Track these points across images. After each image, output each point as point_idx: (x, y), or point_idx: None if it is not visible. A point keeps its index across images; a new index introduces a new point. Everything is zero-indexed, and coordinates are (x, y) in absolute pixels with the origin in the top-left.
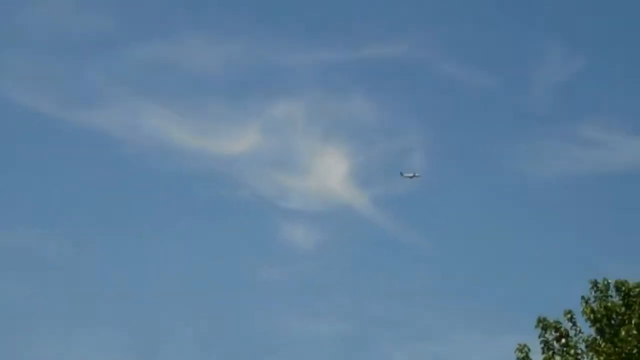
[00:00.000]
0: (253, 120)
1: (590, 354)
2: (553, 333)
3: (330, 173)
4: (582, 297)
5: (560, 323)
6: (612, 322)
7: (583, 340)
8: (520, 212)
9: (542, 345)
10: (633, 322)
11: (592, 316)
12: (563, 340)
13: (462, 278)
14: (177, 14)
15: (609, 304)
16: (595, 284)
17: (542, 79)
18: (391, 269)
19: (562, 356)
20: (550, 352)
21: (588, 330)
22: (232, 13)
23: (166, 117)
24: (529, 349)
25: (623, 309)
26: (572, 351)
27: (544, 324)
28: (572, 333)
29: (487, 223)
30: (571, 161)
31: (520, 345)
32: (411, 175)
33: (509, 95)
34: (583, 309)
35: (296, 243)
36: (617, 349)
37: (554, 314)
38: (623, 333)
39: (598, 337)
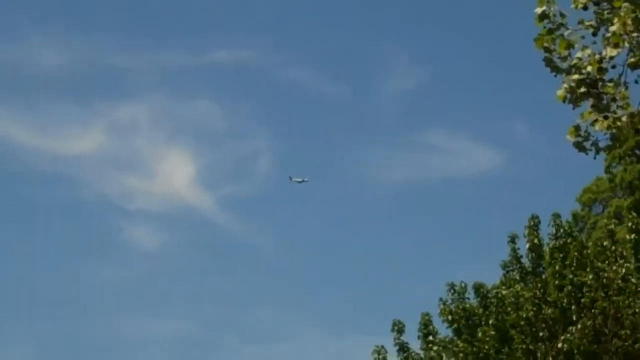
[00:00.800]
0: (97, 122)
1: (448, 354)
2: (422, 330)
3: (175, 175)
4: (440, 299)
5: (430, 316)
6: (470, 323)
7: (440, 342)
8: (368, 217)
9: (398, 347)
10: (490, 322)
11: (449, 317)
12: (429, 338)
13: (309, 280)
14: (20, 13)
15: (467, 306)
16: (452, 286)
17: (388, 86)
18: (236, 271)
19: (424, 355)
20: (406, 354)
21: (445, 332)
22: (78, 13)
23: (7, 117)
24: (386, 351)
25: (480, 310)
26: (433, 348)
27: (399, 327)
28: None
29: (335, 227)
30: (417, 167)
31: (377, 347)
32: (300, 180)
33: (355, 103)
34: (441, 311)
35: (139, 244)
36: (474, 349)
37: (411, 316)
38: (480, 334)
39: (455, 338)
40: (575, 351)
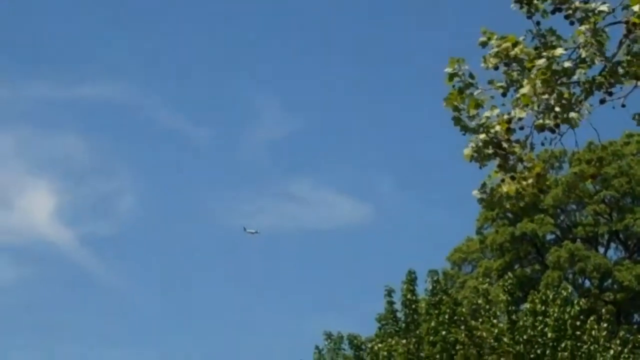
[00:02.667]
0: None
1: None
2: None
3: (34, 209)
4: (316, 347)
5: None
6: None
7: None
8: (235, 263)
9: None
10: None
11: None
12: None
13: (168, 325)
14: None
15: (341, 357)
16: (329, 335)
17: (259, 134)
18: (92, 308)
19: None
20: None
21: None
22: None
23: None
24: None
25: None
26: None
27: None
28: None
29: (199, 272)
30: (282, 217)
31: None
32: (253, 231)
33: (224, 148)
34: (315, 359)
35: None
36: None
37: None
38: None
39: None
40: None
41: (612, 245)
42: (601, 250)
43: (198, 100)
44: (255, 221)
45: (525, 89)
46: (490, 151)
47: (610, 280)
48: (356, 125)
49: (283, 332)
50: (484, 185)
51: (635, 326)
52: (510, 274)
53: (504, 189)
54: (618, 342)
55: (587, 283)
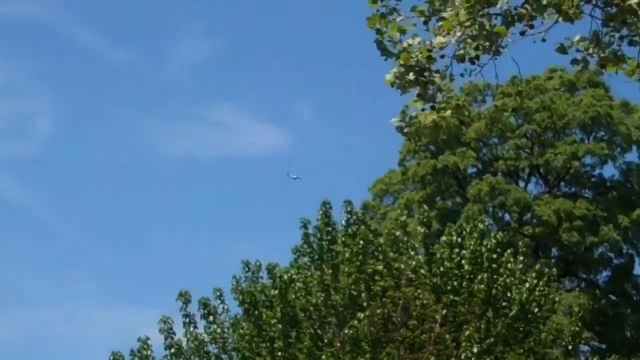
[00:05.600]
0: None
1: (234, 333)
2: (201, 310)
3: None
4: (234, 276)
5: (209, 299)
6: (258, 305)
7: (229, 319)
8: (151, 186)
9: (184, 318)
10: (279, 309)
11: (240, 297)
12: (211, 317)
13: (85, 247)
14: None
15: (259, 286)
16: (247, 264)
17: (179, 56)
18: (6, 232)
19: (207, 333)
20: (192, 326)
21: (236, 310)
22: None
23: None
24: (173, 322)
25: (273, 291)
26: (218, 329)
27: (185, 298)
28: (220, 311)
29: (116, 194)
30: (200, 143)
31: (164, 316)
32: (295, 177)
33: (143, 71)
34: (233, 288)
35: None
36: (261, 332)
37: (202, 292)
38: (264, 316)
39: (243, 318)
40: (363, 338)
41: (532, 179)
42: (522, 184)
43: (118, 22)
44: (173, 146)
45: (447, 14)
46: (411, 78)
47: (529, 215)
48: (278, 49)
49: (200, 260)
50: (403, 113)
51: (552, 260)
52: (426, 206)
53: (423, 119)
54: (534, 275)
55: (507, 217)
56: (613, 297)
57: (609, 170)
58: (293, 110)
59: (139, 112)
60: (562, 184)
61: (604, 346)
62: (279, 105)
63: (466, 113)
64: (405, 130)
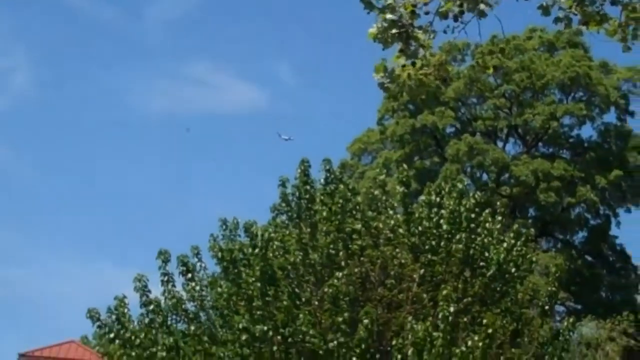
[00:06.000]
0: None
1: (212, 291)
2: (180, 267)
3: None
4: (211, 235)
5: (187, 257)
6: (237, 263)
7: (207, 277)
8: (128, 143)
9: (162, 277)
10: (257, 267)
11: (218, 254)
12: (189, 275)
13: (63, 204)
14: None
15: (237, 244)
16: (224, 222)
17: (155, 13)
18: None
19: (185, 290)
20: (170, 285)
21: (214, 268)
22: None
23: None
24: (148, 280)
25: (250, 250)
26: (196, 287)
27: (164, 257)
28: (198, 269)
29: (94, 151)
30: (177, 100)
31: (138, 275)
32: (287, 138)
33: (119, 26)
34: (210, 246)
35: None
36: (239, 290)
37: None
38: (244, 275)
39: (221, 276)
40: (341, 297)
41: (511, 139)
42: (500, 144)
43: None
44: (151, 103)
45: None
46: (394, 32)
47: (507, 175)
48: (256, 6)
49: (178, 217)
50: (384, 69)
51: (530, 220)
52: (405, 165)
53: (405, 75)
54: (512, 235)
55: (485, 177)
56: (589, 258)
57: (587, 131)
58: (272, 68)
59: (117, 68)
60: (540, 144)
61: (579, 307)
62: (258, 64)
63: (449, 70)
64: (387, 86)
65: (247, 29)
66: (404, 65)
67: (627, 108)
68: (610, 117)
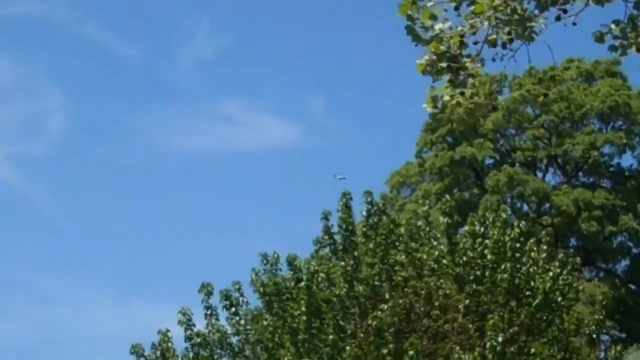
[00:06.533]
0: None
1: (255, 326)
2: (223, 301)
3: None
4: (252, 269)
5: (230, 291)
6: (281, 296)
7: (250, 312)
8: (164, 184)
9: (206, 310)
10: (303, 300)
11: (261, 289)
12: (233, 309)
13: (100, 247)
14: None
15: (279, 279)
16: (265, 256)
17: (187, 54)
18: (21, 230)
19: (229, 325)
20: (214, 319)
21: (256, 303)
22: None
23: None
24: (192, 313)
25: (292, 283)
26: (241, 321)
27: (207, 290)
28: (240, 303)
29: (130, 192)
30: (214, 138)
31: (183, 308)
32: (341, 177)
33: (153, 68)
34: (252, 281)
35: None
36: (284, 324)
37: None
38: (289, 308)
39: (264, 310)
40: (386, 328)
41: (550, 169)
42: (539, 174)
43: (126, 18)
44: (185, 143)
45: None
46: (444, 64)
47: (548, 205)
48: (287, 43)
49: (216, 255)
50: (434, 98)
51: (571, 250)
52: (448, 196)
53: (454, 104)
54: (557, 264)
55: (525, 207)
56: (632, 287)
57: (628, 160)
58: (305, 104)
59: (150, 109)
60: (580, 174)
61: (623, 335)
62: (291, 100)
63: (497, 98)
64: (438, 115)
65: (279, 66)
66: (452, 95)
67: None
68: None
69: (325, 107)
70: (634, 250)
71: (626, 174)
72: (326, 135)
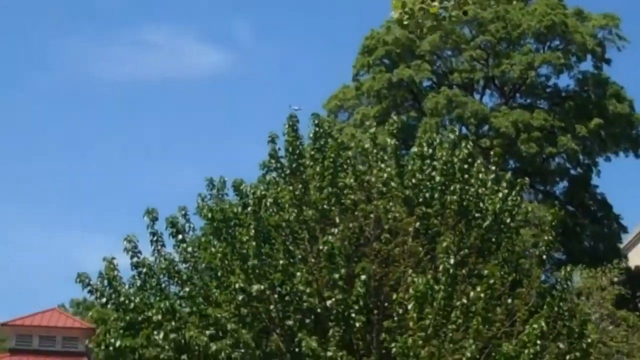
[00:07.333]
0: None
1: (204, 253)
2: (169, 229)
3: None
4: (199, 194)
5: (176, 218)
6: (229, 222)
7: (197, 239)
8: (89, 112)
9: (151, 236)
10: (252, 226)
11: (209, 214)
12: (180, 237)
13: (29, 174)
14: None
15: (226, 204)
16: (211, 181)
17: None
18: None
19: (177, 252)
20: (160, 245)
21: (203, 229)
22: None
23: None
24: (138, 240)
25: (239, 209)
26: (188, 248)
27: (152, 216)
28: (187, 230)
29: (55, 119)
30: (139, 65)
31: (129, 236)
32: (297, 108)
33: None
34: (198, 206)
35: None
36: (234, 250)
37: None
38: (238, 234)
39: (212, 237)
40: (336, 253)
41: (488, 91)
42: (477, 96)
43: None
44: (111, 70)
45: None
46: None
47: (487, 127)
48: None
49: (160, 182)
50: (404, 4)
51: (509, 172)
52: (395, 117)
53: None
54: (505, 185)
55: (464, 129)
56: (571, 208)
57: (565, 80)
58: (231, 29)
59: (71, 35)
60: (518, 95)
61: (564, 257)
62: (217, 26)
63: (469, 2)
64: (405, 22)
65: None
66: (423, 1)
67: (603, 56)
68: (588, 65)
69: (252, 31)
70: (572, 172)
71: (563, 94)
72: (256, 62)
